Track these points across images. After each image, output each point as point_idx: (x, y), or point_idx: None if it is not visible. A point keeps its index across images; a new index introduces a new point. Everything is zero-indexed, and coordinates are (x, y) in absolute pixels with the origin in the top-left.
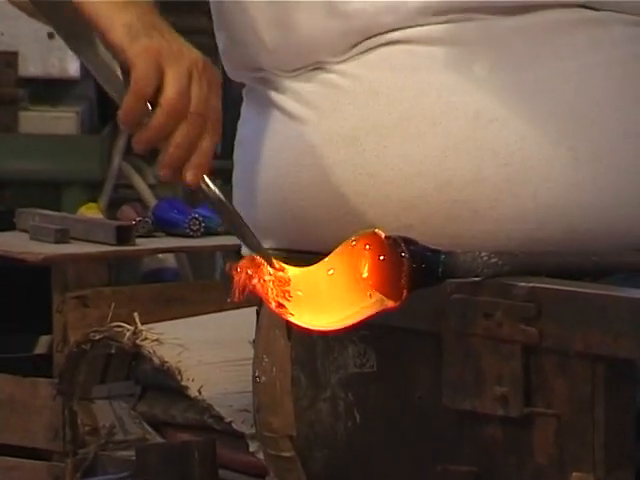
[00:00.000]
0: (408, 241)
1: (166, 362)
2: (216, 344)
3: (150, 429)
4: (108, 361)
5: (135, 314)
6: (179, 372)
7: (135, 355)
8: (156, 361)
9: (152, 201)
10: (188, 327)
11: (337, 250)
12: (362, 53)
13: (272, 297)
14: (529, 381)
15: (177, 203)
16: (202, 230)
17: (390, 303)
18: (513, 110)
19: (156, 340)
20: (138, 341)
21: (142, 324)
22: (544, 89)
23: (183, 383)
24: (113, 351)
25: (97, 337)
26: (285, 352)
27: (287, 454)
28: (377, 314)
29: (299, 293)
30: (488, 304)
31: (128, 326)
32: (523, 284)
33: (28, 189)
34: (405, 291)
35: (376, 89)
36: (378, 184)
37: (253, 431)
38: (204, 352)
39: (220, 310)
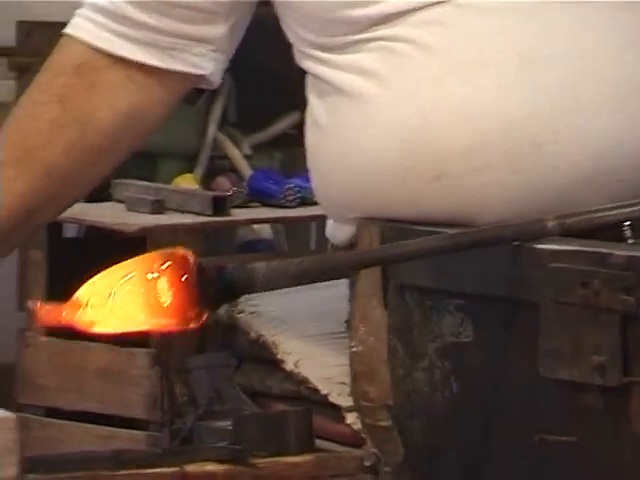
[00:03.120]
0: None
1: (262, 335)
2: (313, 316)
3: (247, 399)
4: (205, 332)
5: None
6: (275, 345)
7: (232, 327)
8: (252, 334)
9: (247, 172)
10: (285, 299)
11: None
12: (407, 12)
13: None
14: (627, 350)
15: (272, 173)
16: (297, 200)
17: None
18: (562, 46)
19: (252, 312)
20: (235, 313)
21: None
22: (593, 26)
23: (279, 356)
24: (210, 322)
25: None
26: (382, 321)
27: (384, 423)
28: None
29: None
30: (585, 273)
31: None
32: (621, 253)
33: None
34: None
35: (429, 44)
36: (438, 133)
37: (350, 404)
38: (301, 325)
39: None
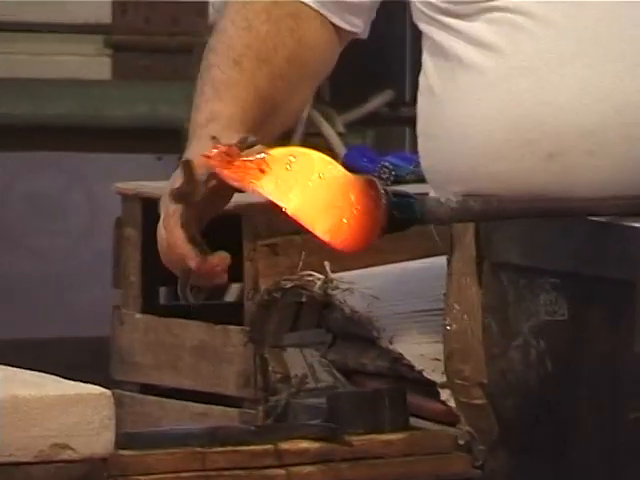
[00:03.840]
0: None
1: (357, 312)
2: (407, 294)
3: (341, 377)
4: (299, 309)
5: (326, 263)
6: (370, 322)
7: (326, 303)
8: (347, 310)
9: (341, 149)
10: (379, 276)
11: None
12: None
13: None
14: None
15: (367, 151)
16: (392, 178)
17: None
18: None
19: (347, 289)
20: (329, 290)
21: (332, 273)
22: None
23: (374, 333)
24: (304, 299)
25: (288, 285)
26: (476, 300)
27: (478, 402)
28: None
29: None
30: None
31: (319, 275)
32: None
33: None
34: (380, 231)
35: (553, 20)
36: (556, 112)
37: (444, 380)
38: (395, 302)
39: (411, 259)
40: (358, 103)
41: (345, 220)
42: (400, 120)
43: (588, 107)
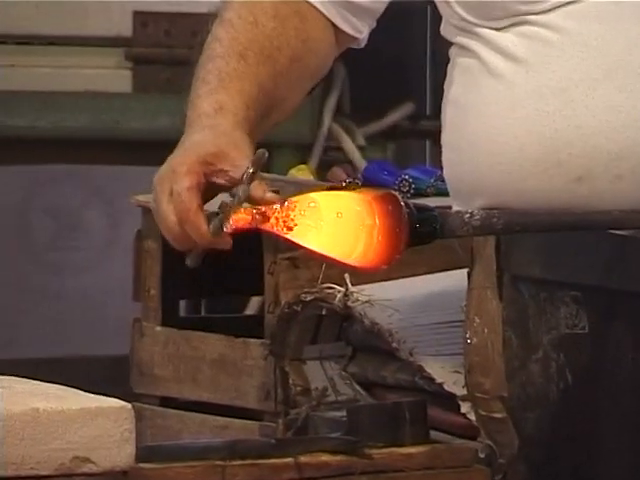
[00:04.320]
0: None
1: (377, 324)
2: (427, 306)
3: (361, 390)
4: (319, 322)
5: (346, 275)
6: (390, 334)
7: (346, 316)
8: (367, 323)
9: (361, 163)
10: (399, 288)
11: (341, 194)
12: (566, 4)
13: (279, 225)
14: None
15: (386, 165)
16: (412, 191)
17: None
18: None
19: (367, 302)
20: (349, 303)
21: (352, 285)
22: None
23: (394, 345)
24: (324, 312)
25: (308, 298)
26: (496, 313)
27: (499, 415)
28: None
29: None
30: None
31: (339, 287)
32: None
33: None
34: (403, 246)
35: (585, 41)
36: (586, 135)
37: (464, 392)
38: (415, 314)
39: (430, 272)
40: (378, 116)
41: (371, 242)
42: (420, 133)
43: (618, 132)
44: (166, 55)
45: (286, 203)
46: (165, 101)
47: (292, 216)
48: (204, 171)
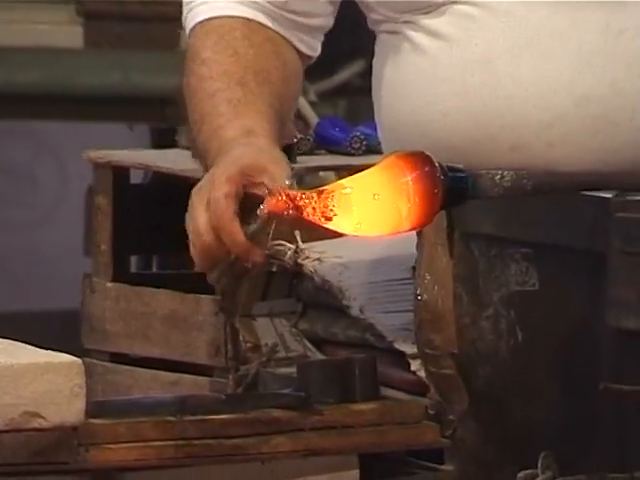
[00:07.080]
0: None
1: (328, 281)
2: (379, 263)
3: (311, 346)
4: (269, 279)
5: (296, 232)
6: (341, 291)
7: (296, 273)
8: (318, 280)
9: (314, 119)
10: (349, 246)
11: (379, 166)
12: None
13: (317, 215)
14: None
15: (338, 121)
16: (364, 148)
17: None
18: None
19: (317, 259)
20: (300, 260)
21: (303, 242)
22: None
23: (345, 302)
24: (274, 269)
25: None
26: (447, 270)
27: (449, 372)
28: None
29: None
30: None
31: (289, 244)
32: None
33: None
34: (439, 207)
35: (507, 10)
36: (515, 106)
37: (414, 350)
38: (366, 271)
39: None
40: (330, 73)
41: (409, 205)
42: (371, 90)
43: (546, 100)
44: (118, 10)
45: (322, 194)
46: (117, 57)
47: (330, 206)
48: (243, 182)
